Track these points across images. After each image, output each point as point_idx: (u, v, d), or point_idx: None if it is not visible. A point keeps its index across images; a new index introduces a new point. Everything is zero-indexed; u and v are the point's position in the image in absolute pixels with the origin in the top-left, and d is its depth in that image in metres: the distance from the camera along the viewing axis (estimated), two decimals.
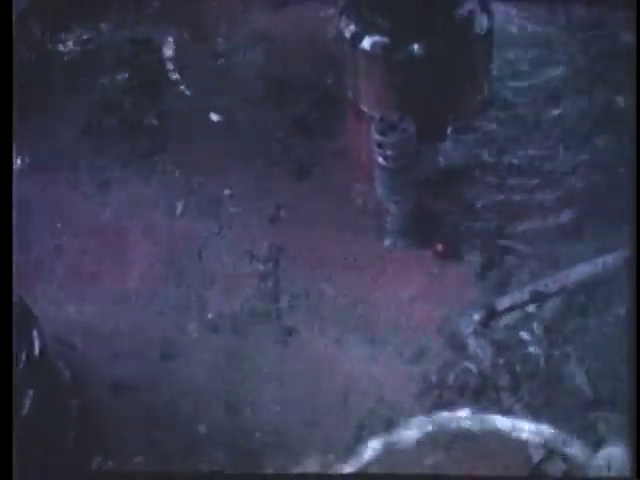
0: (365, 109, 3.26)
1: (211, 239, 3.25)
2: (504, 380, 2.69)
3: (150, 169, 3.52)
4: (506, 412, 2.64)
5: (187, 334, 2.99)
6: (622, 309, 2.80)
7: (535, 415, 2.62)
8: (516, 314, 2.85)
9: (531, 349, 2.80)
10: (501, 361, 2.71)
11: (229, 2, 4.17)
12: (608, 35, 3.73)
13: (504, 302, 2.85)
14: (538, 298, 2.83)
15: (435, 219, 3.21)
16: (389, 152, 2.97)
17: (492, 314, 2.82)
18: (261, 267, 3.14)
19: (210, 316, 3.02)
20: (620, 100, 3.48)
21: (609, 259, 2.82)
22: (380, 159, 3.00)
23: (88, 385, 2.87)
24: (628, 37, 3.81)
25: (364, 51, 3.15)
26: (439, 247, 3.14)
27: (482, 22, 3.12)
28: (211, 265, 3.17)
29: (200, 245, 3.23)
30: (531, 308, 2.85)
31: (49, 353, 2.66)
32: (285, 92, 3.74)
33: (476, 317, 2.84)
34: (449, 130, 3.14)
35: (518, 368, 2.72)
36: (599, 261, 2.84)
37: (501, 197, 3.23)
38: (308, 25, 3.99)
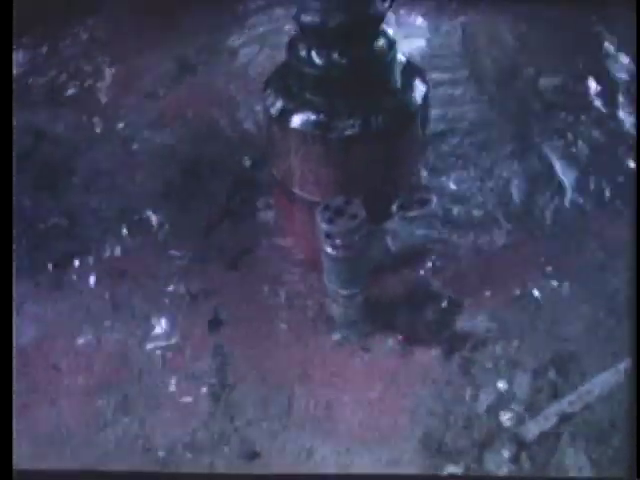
0: (301, 193, 3.01)
1: (149, 358, 2.90)
2: None
3: (65, 280, 3.16)
4: None
5: (134, 474, 2.62)
6: None
7: None
8: None
9: None
10: None
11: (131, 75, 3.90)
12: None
13: (532, 430, 2.61)
14: (565, 419, 2.61)
15: (390, 306, 2.97)
16: (338, 241, 2.72)
17: (521, 446, 2.58)
18: (208, 383, 2.82)
19: (159, 450, 2.66)
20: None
21: (628, 364, 2.63)
22: (329, 249, 2.75)
23: None
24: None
25: (295, 130, 2.90)
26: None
27: (419, 91, 2.93)
28: (151, 388, 2.81)
29: (137, 366, 2.87)
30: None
31: None
32: (202, 178, 3.47)
33: (505, 453, 2.58)
34: (394, 208, 2.91)
35: None
36: (620, 367, 2.66)
37: (457, 274, 3.04)
38: (222, 98, 3.74)
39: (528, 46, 4.06)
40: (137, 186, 3.47)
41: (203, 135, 3.67)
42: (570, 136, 3.55)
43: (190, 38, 4.15)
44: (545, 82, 3.87)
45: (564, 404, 2.67)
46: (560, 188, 3.36)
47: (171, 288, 3.10)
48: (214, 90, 3.89)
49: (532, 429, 2.63)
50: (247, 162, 3.53)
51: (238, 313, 3.01)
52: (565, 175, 3.39)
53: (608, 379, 2.65)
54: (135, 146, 3.64)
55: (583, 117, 3.65)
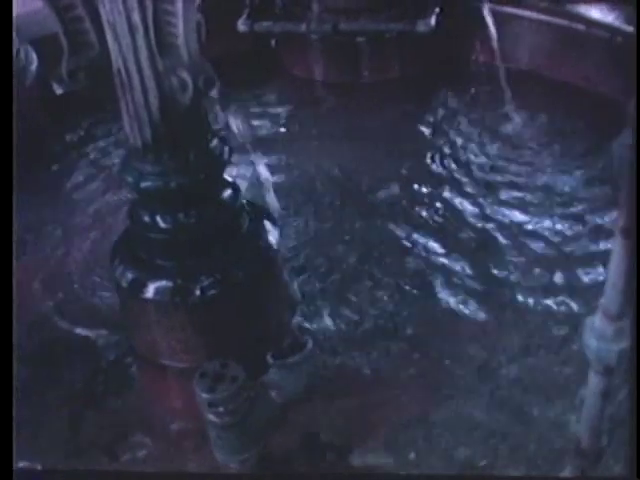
0: (170, 363, 2.81)
1: None
2: None
3: None
4: None
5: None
6: None
7: None
8: None
9: None
10: None
11: None
12: None
13: None
14: None
15: (285, 461, 2.79)
16: (222, 409, 2.54)
17: None
18: None
19: None
20: None
21: None
22: (213, 418, 2.57)
23: None
24: None
25: (152, 301, 2.73)
26: None
27: (272, 234, 2.84)
28: None
29: None
30: None
31: None
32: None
33: None
34: (269, 359, 2.78)
35: None
36: None
37: (345, 419, 2.90)
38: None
39: None
40: None
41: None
42: None
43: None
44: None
45: None
46: None
47: None
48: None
49: None
50: (101, 340, 3.30)
51: None
52: None
53: None
54: None
55: None
